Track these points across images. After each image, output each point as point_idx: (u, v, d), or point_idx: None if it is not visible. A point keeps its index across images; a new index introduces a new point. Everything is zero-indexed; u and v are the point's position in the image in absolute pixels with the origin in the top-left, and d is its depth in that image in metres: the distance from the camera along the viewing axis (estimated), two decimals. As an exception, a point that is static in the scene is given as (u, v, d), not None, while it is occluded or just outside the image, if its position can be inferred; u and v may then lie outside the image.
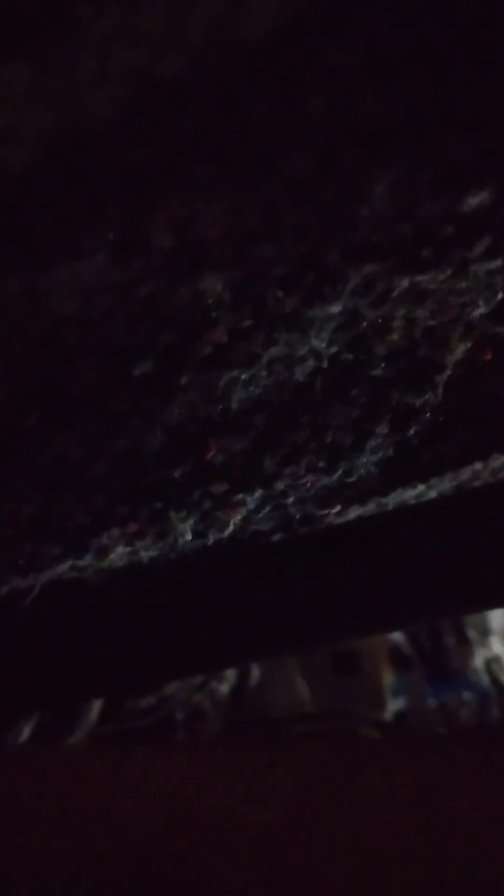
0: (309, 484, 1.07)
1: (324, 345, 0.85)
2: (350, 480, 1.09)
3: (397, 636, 2.32)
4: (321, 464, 1.04)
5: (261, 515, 1.12)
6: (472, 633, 2.32)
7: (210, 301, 0.77)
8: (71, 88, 0.63)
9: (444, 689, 2.22)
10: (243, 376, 0.87)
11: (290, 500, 1.09)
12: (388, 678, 2.28)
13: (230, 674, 2.15)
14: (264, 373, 0.88)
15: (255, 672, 2.17)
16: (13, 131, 0.64)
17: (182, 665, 1.56)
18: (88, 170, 0.66)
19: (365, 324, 0.84)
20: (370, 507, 1.43)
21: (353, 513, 1.40)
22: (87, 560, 1.06)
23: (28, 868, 1.23)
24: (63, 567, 1.07)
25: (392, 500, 1.41)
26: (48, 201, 0.69)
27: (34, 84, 0.63)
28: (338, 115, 0.68)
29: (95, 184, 0.68)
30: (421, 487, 1.38)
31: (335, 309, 0.80)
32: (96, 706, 1.96)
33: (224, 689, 2.15)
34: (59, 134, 0.64)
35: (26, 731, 1.88)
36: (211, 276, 0.74)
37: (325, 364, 0.87)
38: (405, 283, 0.78)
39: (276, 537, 1.29)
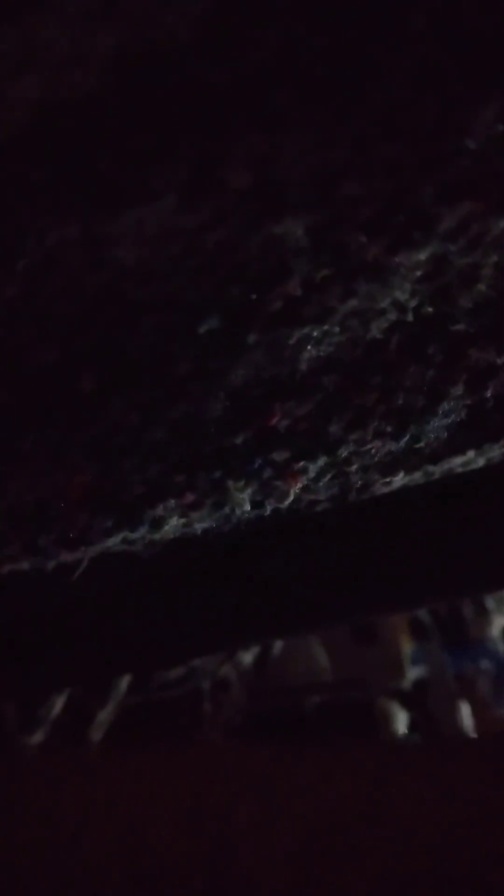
0: (374, 450, 1.01)
1: (405, 297, 0.78)
2: (418, 446, 1.03)
3: None
4: (389, 428, 0.97)
5: (321, 484, 1.05)
6: (490, 603, 2.28)
7: (286, 249, 0.70)
8: (144, 2, 0.55)
9: (462, 658, 2.19)
10: (315, 333, 0.80)
11: (353, 467, 1.03)
12: (406, 647, 2.26)
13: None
14: (337, 329, 0.81)
15: (278, 642, 2.14)
16: (78, 53, 0.57)
17: (229, 637, 1.51)
18: (160, 94, 0.59)
19: (452, 273, 0.77)
20: (417, 476, 1.36)
21: (400, 482, 1.33)
22: (140, 532, 1.01)
23: (43, 870, 1.20)
24: (114, 540, 1.02)
25: (440, 468, 1.35)
26: (115, 134, 0.61)
27: (100, -2, 0.55)
28: (439, 33, 0.60)
29: (168, 113, 0.60)
30: (471, 454, 1.31)
31: (423, 256, 0.73)
32: (126, 678, 1.94)
33: (248, 659, 2.13)
34: (129, 52, 0.56)
35: (59, 705, 1.86)
36: (290, 220, 0.67)
37: (404, 318, 0.80)
38: (502, 224, 0.70)
39: (330, 506, 1.23)
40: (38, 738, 1.88)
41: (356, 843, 1.13)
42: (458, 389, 0.95)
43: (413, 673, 2.17)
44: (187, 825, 1.23)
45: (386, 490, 1.14)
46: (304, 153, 0.63)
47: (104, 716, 1.97)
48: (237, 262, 0.71)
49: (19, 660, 1.54)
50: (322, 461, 0.98)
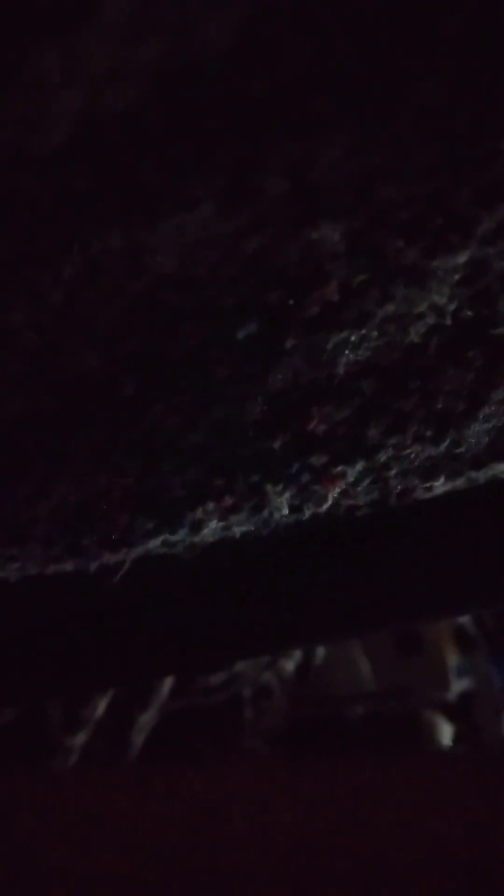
0: (414, 455, 1.00)
1: (444, 300, 0.77)
2: (458, 451, 1.02)
3: (461, 616, 2.25)
4: (429, 433, 0.97)
5: (360, 489, 1.05)
6: (538, 615, 2.22)
7: (323, 254, 0.70)
8: (182, 15, 0.57)
9: None
10: (353, 338, 0.81)
11: (393, 472, 1.02)
12: (452, 658, 2.21)
13: (296, 651, 2.12)
14: (375, 333, 0.81)
15: (321, 649, 2.13)
16: (118, 67, 0.58)
17: (267, 641, 1.52)
18: (198, 107, 0.60)
19: (491, 276, 0.76)
20: (459, 482, 1.35)
21: (443, 488, 1.32)
22: (180, 535, 1.02)
23: (68, 880, 1.21)
24: (155, 542, 1.04)
25: (483, 474, 1.33)
26: (155, 144, 0.63)
27: (141, 14, 0.57)
28: (474, 38, 0.60)
29: (205, 123, 0.62)
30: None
31: (461, 259, 0.72)
32: (168, 683, 1.95)
33: (290, 666, 2.12)
34: (169, 66, 0.58)
35: (102, 706, 1.89)
36: (327, 225, 0.68)
37: (443, 322, 0.80)
38: (542, 227, 0.69)
39: (370, 511, 1.23)
40: (81, 738, 1.91)
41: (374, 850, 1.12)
42: (500, 394, 0.94)
43: (458, 685, 2.13)
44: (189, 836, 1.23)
45: (427, 496, 1.13)
46: (340, 159, 0.64)
47: (146, 719, 1.98)
48: (275, 267, 0.72)
49: (64, 659, 1.57)
50: (361, 465, 0.98)
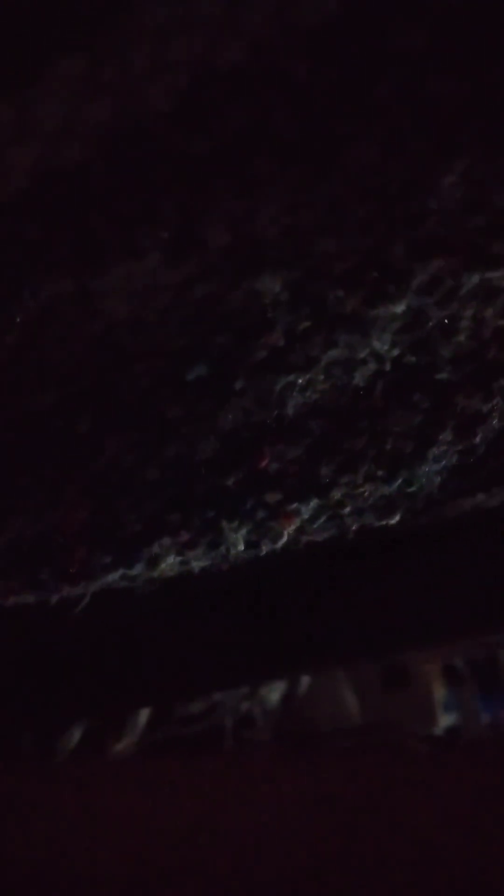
0: (367, 493, 1.03)
1: (386, 347, 0.81)
2: (410, 490, 1.04)
3: (449, 650, 2.25)
4: (380, 472, 1.00)
5: (316, 526, 1.07)
6: (527, 650, 2.23)
7: (267, 302, 0.74)
8: (127, 80, 0.61)
9: (497, 706, 2.13)
10: (300, 381, 0.84)
11: (347, 509, 1.05)
12: (439, 693, 2.20)
13: (280, 683, 2.11)
14: (322, 377, 0.84)
15: (305, 680, 2.12)
16: (69, 126, 0.62)
17: (231, 675, 1.52)
18: (144, 165, 0.64)
19: (430, 324, 0.80)
20: (424, 519, 1.37)
21: (409, 523, 1.34)
22: (137, 569, 1.04)
23: (63, 877, 1.20)
24: (114, 576, 1.05)
25: (450, 510, 1.35)
26: (103, 199, 0.66)
27: (90, 77, 0.61)
28: (405, 102, 0.64)
29: (151, 179, 0.65)
30: (481, 497, 1.31)
31: (399, 308, 0.76)
32: (145, 712, 1.94)
33: (274, 696, 2.11)
34: (115, 127, 0.62)
35: (76, 736, 1.87)
36: (269, 276, 0.71)
37: (386, 367, 0.83)
38: (475, 279, 0.73)
39: (330, 549, 1.25)
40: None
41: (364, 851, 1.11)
42: (447, 435, 0.97)
43: (445, 720, 2.12)
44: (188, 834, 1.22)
45: (395, 529, 1.15)
46: (280, 213, 0.68)
47: (121, 748, 1.96)
48: (221, 314, 0.75)
49: (32, 691, 1.57)
50: (315, 503, 1.01)
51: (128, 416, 0.85)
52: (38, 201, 0.66)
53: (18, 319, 0.71)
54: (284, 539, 1.05)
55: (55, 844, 1.26)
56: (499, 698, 2.11)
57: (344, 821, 1.25)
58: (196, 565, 1.09)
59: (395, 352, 0.83)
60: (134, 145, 0.63)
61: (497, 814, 1.25)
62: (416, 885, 1.09)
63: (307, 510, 1.02)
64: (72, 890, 1.17)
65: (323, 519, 1.06)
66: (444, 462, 1.02)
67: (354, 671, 2.15)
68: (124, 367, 0.80)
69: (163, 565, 1.05)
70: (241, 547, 1.04)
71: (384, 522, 1.13)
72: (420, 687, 2.17)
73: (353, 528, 1.12)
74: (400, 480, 1.02)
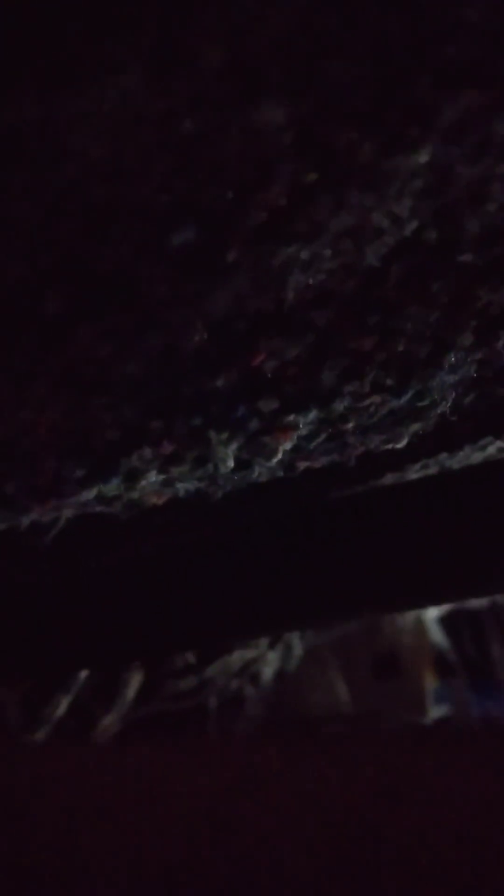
0: (373, 407, 0.92)
1: (405, 212, 0.70)
2: (421, 405, 0.94)
3: (441, 642, 2.18)
4: (389, 381, 0.89)
5: (313, 445, 0.97)
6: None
7: (267, 143, 0.62)
8: None
9: (488, 699, 2.06)
10: (303, 255, 0.72)
11: (350, 425, 0.94)
12: (430, 684, 2.14)
13: (272, 658, 2.04)
14: (328, 251, 0.73)
15: (296, 653, 2.05)
16: None
17: (218, 626, 1.42)
18: None
19: (456, 185, 0.68)
20: (432, 470, 1.27)
21: (415, 474, 1.24)
22: (114, 487, 0.93)
23: (50, 860, 1.14)
24: (88, 495, 0.94)
25: (458, 461, 1.25)
26: (71, -7, 0.55)
27: None
28: None
29: (130, -32, 0.53)
30: (492, 449, 1.21)
31: (422, 158, 0.65)
32: (134, 685, 1.86)
33: (267, 672, 2.03)
34: None
35: (63, 705, 1.79)
36: (270, 105, 0.60)
37: (403, 236, 0.72)
38: (512, 124, 0.62)
39: (330, 480, 1.14)
40: (40, 736, 1.81)
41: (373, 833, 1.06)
42: (467, 339, 0.86)
43: (436, 711, 2.07)
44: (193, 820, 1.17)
45: (392, 457, 1.04)
46: (283, 22, 0.56)
47: (109, 720, 1.89)
48: (212, 159, 0.64)
49: (10, 639, 1.47)
50: (314, 415, 0.90)
51: (103, 295, 0.74)
52: (-6, 0, 0.54)
53: (-29, 150, 0.59)
54: (279, 457, 0.94)
55: (40, 831, 1.20)
56: (490, 691, 2.04)
57: (339, 808, 1.19)
58: (181, 487, 0.98)
59: (415, 222, 0.72)
60: None
61: (488, 798, 1.19)
62: (411, 869, 1.03)
63: (305, 424, 0.91)
64: (60, 876, 1.10)
65: (322, 437, 0.95)
66: (460, 373, 0.91)
67: (345, 660, 2.08)
68: (99, 227, 0.68)
69: (143, 483, 0.94)
70: (231, 464, 0.93)
71: (390, 446, 1.02)
72: (411, 677, 2.10)
73: (356, 451, 1.02)
74: (411, 392, 0.91)
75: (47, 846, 1.18)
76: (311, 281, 0.75)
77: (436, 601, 1.82)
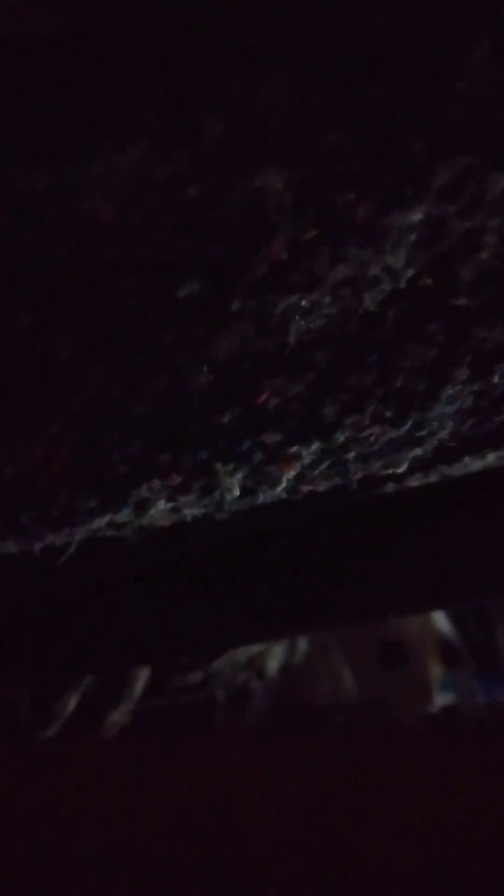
0: (373, 437, 0.95)
1: (400, 264, 0.73)
2: (420, 434, 0.97)
3: (447, 630, 2.21)
4: (388, 413, 0.92)
5: (317, 473, 1.00)
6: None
7: (269, 205, 0.65)
8: None
9: (494, 687, 2.09)
10: (303, 303, 0.76)
11: (351, 455, 0.97)
12: (436, 672, 2.17)
13: (278, 650, 2.08)
14: (328, 299, 0.76)
15: (302, 652, 2.09)
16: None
17: (224, 636, 1.46)
18: (130, 32, 0.55)
19: (450, 237, 0.71)
20: (432, 478, 1.30)
21: (415, 482, 1.27)
22: (125, 515, 0.97)
23: (59, 854, 1.17)
24: (100, 522, 0.98)
25: (457, 469, 1.28)
26: (82, 75, 0.58)
27: None
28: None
29: (138, 52, 0.57)
30: (491, 457, 1.24)
31: (416, 216, 0.68)
32: (142, 680, 1.90)
33: (272, 667, 2.07)
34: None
35: (72, 702, 1.83)
36: (271, 172, 0.63)
37: (399, 289, 0.75)
38: (502, 182, 0.65)
39: (333, 501, 1.18)
40: (49, 732, 1.86)
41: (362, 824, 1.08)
42: (463, 373, 0.90)
43: (441, 699, 2.10)
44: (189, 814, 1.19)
45: (390, 483, 1.08)
46: (284, 96, 0.59)
47: (116, 716, 1.93)
48: (217, 220, 0.67)
49: (24, 649, 1.52)
50: (316, 446, 0.93)
51: (113, 340, 0.77)
52: (7, 81, 0.57)
53: (-12, 218, 0.63)
54: (283, 485, 0.98)
55: (50, 826, 1.23)
56: (496, 679, 2.07)
57: (339, 797, 1.21)
58: (188, 513, 1.02)
59: (410, 271, 0.75)
60: (118, 8, 0.55)
61: (491, 786, 1.21)
62: (411, 858, 1.06)
63: (308, 454, 0.94)
64: (69, 869, 1.13)
65: (325, 465, 0.99)
66: (457, 404, 0.94)
67: (351, 649, 2.12)
68: (109, 282, 0.72)
69: (152, 511, 0.97)
70: (237, 493, 0.97)
71: (390, 471, 1.05)
72: (416, 666, 2.13)
73: (357, 476, 1.05)
74: (409, 423, 0.95)
75: (57, 841, 1.21)
76: (311, 326, 0.79)
77: (440, 605, 1.85)
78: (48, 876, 1.15)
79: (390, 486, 1.24)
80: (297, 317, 0.77)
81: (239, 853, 1.13)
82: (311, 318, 0.77)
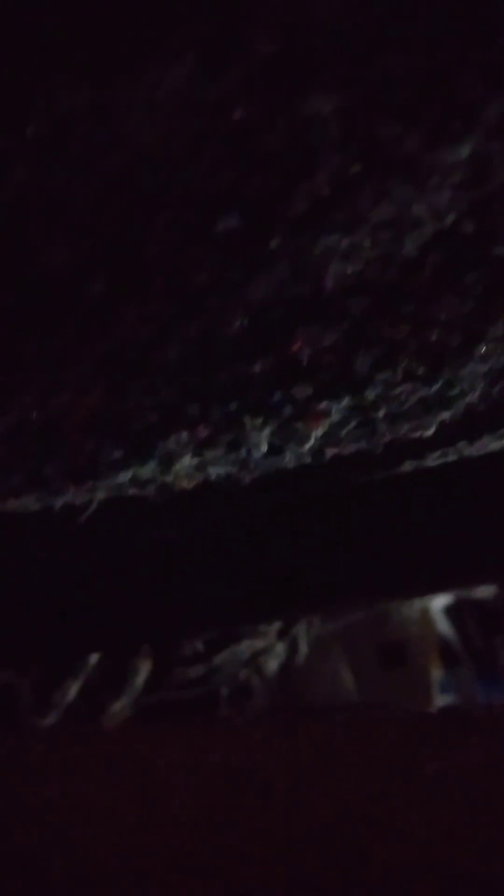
0: (403, 395, 0.94)
1: (444, 204, 0.71)
2: (451, 394, 0.95)
3: (447, 631, 2.20)
4: (421, 370, 0.90)
5: (345, 432, 0.98)
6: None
7: (314, 134, 0.64)
8: None
9: (494, 689, 2.08)
10: (343, 244, 0.74)
11: (381, 413, 0.96)
12: (436, 673, 2.16)
13: (279, 649, 2.07)
14: (368, 242, 0.75)
15: (303, 652, 2.07)
16: None
17: (239, 610, 1.45)
18: None
19: (495, 179, 0.70)
20: (451, 457, 1.28)
21: (433, 461, 1.25)
22: (149, 469, 0.95)
23: (62, 845, 1.16)
24: (124, 477, 0.97)
25: (477, 449, 1.26)
26: (131, -16, 0.56)
27: None
28: None
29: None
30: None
31: (463, 152, 0.66)
32: (143, 673, 1.89)
33: (273, 665, 2.05)
34: None
35: (73, 691, 1.82)
36: (318, 96, 0.61)
37: (441, 228, 0.73)
38: None
39: (355, 470, 1.16)
40: (50, 720, 1.84)
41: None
42: (498, 330, 0.88)
43: (441, 700, 2.09)
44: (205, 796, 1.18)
45: (417, 445, 1.06)
46: (335, 11, 0.58)
47: (118, 706, 1.91)
48: (259, 146, 0.66)
49: (32, 621, 1.50)
50: (346, 402, 0.92)
51: (146, 280, 0.76)
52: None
53: (30, 135, 0.61)
54: (311, 443, 0.96)
55: (48, 815, 1.22)
56: (496, 680, 2.05)
57: (346, 796, 1.20)
58: (213, 471, 1.01)
59: (452, 214, 0.73)
60: None
61: (491, 786, 1.20)
62: (411, 857, 1.05)
63: (338, 410, 0.93)
64: (68, 859, 1.12)
65: (353, 424, 0.97)
66: (490, 363, 0.92)
67: (352, 649, 2.10)
68: (144, 214, 0.70)
69: (177, 466, 0.96)
70: (264, 449, 0.95)
71: (418, 434, 1.04)
72: (417, 666, 2.12)
73: (384, 439, 1.03)
74: (441, 381, 0.93)
75: (56, 830, 1.20)
76: (349, 270, 0.77)
77: (447, 587, 1.84)
78: (46, 863, 1.14)
79: (408, 465, 1.23)
80: (335, 260, 0.75)
81: (239, 851, 1.12)
82: (349, 262, 0.76)
